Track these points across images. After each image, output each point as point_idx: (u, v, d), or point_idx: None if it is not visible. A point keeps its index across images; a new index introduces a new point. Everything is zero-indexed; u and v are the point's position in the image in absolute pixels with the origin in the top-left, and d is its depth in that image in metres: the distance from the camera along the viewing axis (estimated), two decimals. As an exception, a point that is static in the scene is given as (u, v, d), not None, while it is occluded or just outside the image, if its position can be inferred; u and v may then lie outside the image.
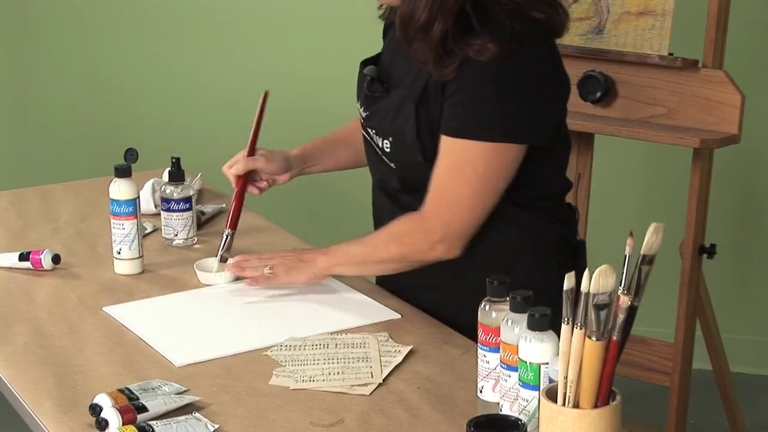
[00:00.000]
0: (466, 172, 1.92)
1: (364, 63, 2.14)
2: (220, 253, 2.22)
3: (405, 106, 1.98)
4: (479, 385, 1.67)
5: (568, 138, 2.07)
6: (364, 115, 2.10)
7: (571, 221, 2.13)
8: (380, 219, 2.17)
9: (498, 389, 1.62)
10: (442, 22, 1.87)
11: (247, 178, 2.29)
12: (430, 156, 1.97)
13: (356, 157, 2.31)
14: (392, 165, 2.05)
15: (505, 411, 1.59)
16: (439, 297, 2.07)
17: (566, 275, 1.42)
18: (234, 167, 2.28)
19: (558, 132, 2.01)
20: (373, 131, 2.07)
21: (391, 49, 2.11)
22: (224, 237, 2.24)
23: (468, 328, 1.93)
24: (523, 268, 1.99)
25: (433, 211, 1.96)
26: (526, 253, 2.02)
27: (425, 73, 1.95)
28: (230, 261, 2.18)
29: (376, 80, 2.07)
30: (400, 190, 2.08)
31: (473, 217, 1.96)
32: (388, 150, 2.04)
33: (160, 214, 2.41)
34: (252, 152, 2.29)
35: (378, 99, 2.06)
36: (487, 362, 1.64)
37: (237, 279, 2.19)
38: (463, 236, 1.97)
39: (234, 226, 2.25)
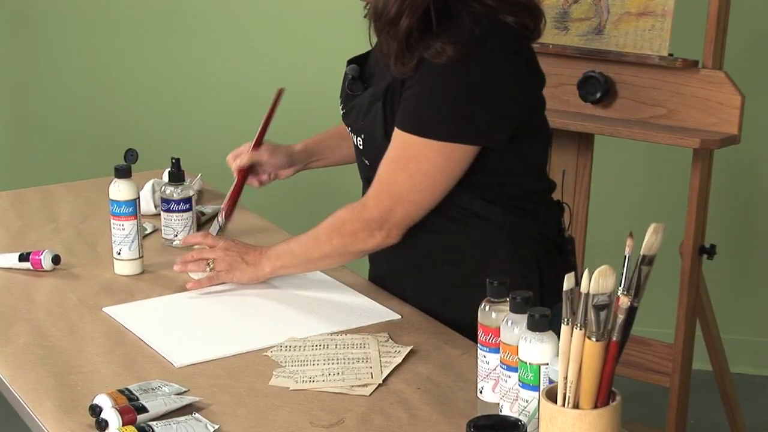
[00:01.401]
0: (410, 167, 1.94)
1: (350, 62, 2.16)
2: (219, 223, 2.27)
3: (374, 104, 2.01)
4: (479, 386, 1.67)
5: (545, 136, 2.08)
6: (342, 112, 2.13)
7: (553, 219, 2.12)
8: None
9: (498, 390, 1.62)
10: (409, 17, 1.89)
11: (249, 171, 2.31)
12: None
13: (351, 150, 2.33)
14: (366, 161, 2.07)
15: (505, 411, 1.59)
16: (422, 290, 2.07)
17: (566, 276, 1.42)
18: (238, 159, 2.29)
19: (529, 132, 2.01)
20: (350, 128, 2.10)
21: (376, 48, 2.12)
22: (216, 226, 2.27)
23: (464, 327, 1.94)
24: (498, 264, 2.00)
25: (375, 199, 1.98)
26: (500, 250, 2.02)
27: (387, 71, 1.98)
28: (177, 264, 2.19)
29: (357, 79, 2.10)
30: None
31: (415, 210, 1.98)
32: (361, 147, 2.07)
33: (160, 214, 2.41)
34: (258, 145, 2.30)
35: (355, 97, 2.09)
36: (487, 363, 1.64)
37: None
38: (403, 226, 1.99)
39: (228, 216, 2.27)
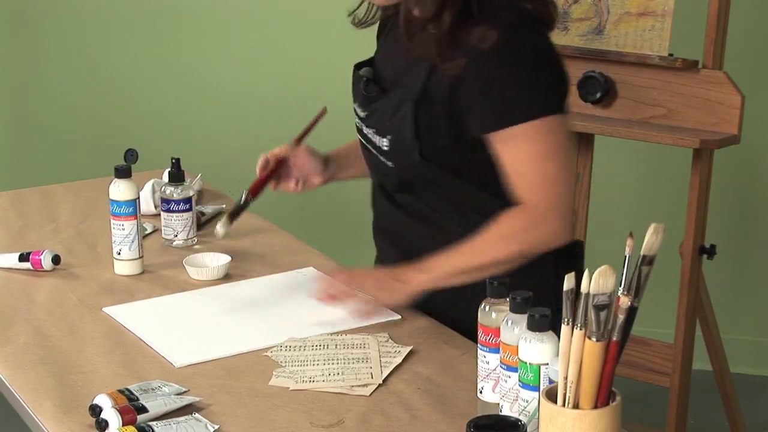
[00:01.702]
0: (538, 152, 1.92)
1: (358, 67, 2.14)
2: (229, 212, 2.15)
3: (403, 104, 1.99)
4: (479, 386, 1.67)
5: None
6: (362, 115, 2.10)
7: None
8: (379, 220, 2.17)
9: (498, 390, 1.62)
10: (450, 11, 1.88)
11: (282, 163, 2.23)
12: (427, 154, 1.97)
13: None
14: (390, 164, 2.05)
15: (505, 411, 1.59)
16: (436, 297, 2.06)
17: (566, 276, 1.42)
18: (278, 148, 2.22)
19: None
20: (373, 130, 2.07)
21: (386, 50, 2.12)
22: (242, 199, 2.16)
23: (464, 327, 1.94)
24: (518, 267, 1.99)
25: (537, 199, 1.94)
26: None
27: (424, 71, 1.96)
28: (307, 272, 2.08)
29: (372, 81, 2.08)
30: (397, 189, 2.08)
31: (569, 189, 1.96)
32: (386, 148, 2.04)
33: (160, 214, 2.41)
34: (299, 143, 2.24)
35: (376, 98, 2.07)
36: (487, 363, 1.64)
37: (226, 274, 2.20)
38: (571, 212, 1.97)
39: (255, 194, 2.18)
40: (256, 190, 2.18)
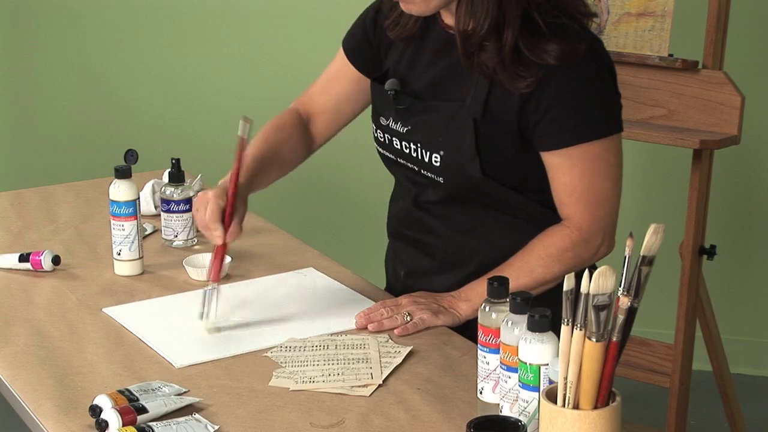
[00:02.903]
0: (600, 170, 1.93)
1: (376, 81, 2.11)
2: (204, 311, 1.98)
3: (461, 119, 1.96)
4: (479, 386, 1.67)
5: None
6: (402, 130, 2.05)
7: None
8: (405, 229, 2.14)
9: (498, 390, 1.62)
10: (511, 28, 1.86)
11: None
12: (489, 170, 1.96)
13: (282, 171, 2.21)
14: (440, 179, 2.01)
15: (505, 412, 1.59)
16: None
17: (566, 276, 1.42)
18: (230, 236, 1.98)
19: None
20: (417, 146, 2.03)
21: (410, 61, 2.07)
22: (206, 293, 1.99)
23: (463, 327, 1.94)
24: None
25: (587, 218, 1.95)
26: None
27: (484, 86, 1.93)
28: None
29: (400, 92, 2.04)
30: (439, 202, 2.06)
31: (617, 206, 1.99)
32: (437, 164, 2.00)
33: (159, 215, 2.41)
34: (234, 197, 2.00)
35: (417, 113, 2.03)
36: (487, 363, 1.64)
37: (227, 275, 2.20)
38: (615, 227, 1.99)
39: (218, 278, 2.01)
40: (217, 276, 1.99)
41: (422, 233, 2.11)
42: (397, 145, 2.07)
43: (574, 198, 1.95)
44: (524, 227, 2.01)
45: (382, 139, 2.10)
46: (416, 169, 2.05)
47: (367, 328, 1.96)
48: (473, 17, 1.87)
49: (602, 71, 1.94)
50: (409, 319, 1.96)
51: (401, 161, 2.07)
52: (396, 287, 2.18)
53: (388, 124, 2.08)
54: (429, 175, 2.03)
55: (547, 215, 2.00)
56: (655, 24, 2.87)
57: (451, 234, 2.06)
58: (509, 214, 2.02)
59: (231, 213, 1.99)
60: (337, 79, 2.23)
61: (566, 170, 1.94)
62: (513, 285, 1.84)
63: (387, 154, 2.11)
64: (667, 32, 2.86)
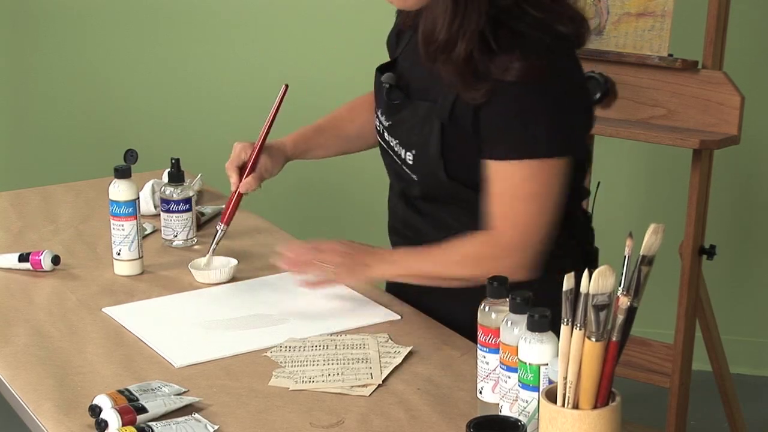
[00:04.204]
0: (525, 191, 1.90)
1: (380, 70, 2.11)
2: (212, 247, 2.23)
3: (431, 121, 1.96)
4: (479, 386, 1.67)
5: (588, 149, 2.06)
6: (386, 124, 2.07)
7: (587, 228, 2.12)
8: (397, 223, 2.16)
9: (498, 390, 1.62)
10: (465, 41, 1.84)
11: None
12: (452, 173, 1.96)
13: (346, 145, 2.32)
14: (414, 176, 2.03)
15: (505, 412, 1.59)
16: (436, 298, 2.06)
17: (566, 276, 1.42)
18: (243, 186, 2.20)
19: (582, 144, 2.01)
20: (396, 142, 2.05)
21: (410, 55, 2.07)
22: (218, 232, 2.24)
23: (463, 328, 1.94)
24: (540, 280, 1.99)
25: (511, 234, 1.92)
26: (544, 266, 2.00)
27: (453, 90, 1.92)
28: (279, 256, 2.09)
29: (395, 87, 2.05)
30: (421, 198, 2.07)
31: (544, 233, 1.93)
32: (410, 162, 2.02)
33: (159, 215, 2.41)
34: (260, 150, 2.22)
35: (401, 109, 2.03)
36: (487, 363, 1.64)
37: (233, 278, 2.20)
38: (540, 253, 1.93)
39: (229, 222, 2.25)
40: (229, 219, 2.25)
41: (408, 229, 2.11)
42: (386, 137, 2.09)
43: (501, 212, 1.92)
44: None
45: (379, 129, 2.12)
46: (399, 163, 2.06)
47: (359, 329, 1.97)
48: (434, 25, 1.86)
49: (563, 92, 1.89)
50: (322, 272, 2.01)
51: (390, 153, 2.09)
52: (392, 283, 2.18)
53: (378, 114, 2.10)
54: (407, 171, 2.04)
55: None
56: (654, 24, 2.87)
57: (432, 232, 2.06)
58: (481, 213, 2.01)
59: (252, 166, 2.21)
60: None
61: (496, 182, 1.91)
62: (428, 271, 1.98)
63: (381, 143, 2.12)
64: (666, 32, 2.86)
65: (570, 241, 2.02)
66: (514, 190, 1.90)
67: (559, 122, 1.89)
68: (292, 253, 2.07)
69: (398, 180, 2.10)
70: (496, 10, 1.85)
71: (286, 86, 2.25)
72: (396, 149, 2.05)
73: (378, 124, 2.11)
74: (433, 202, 2.04)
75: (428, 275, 2.00)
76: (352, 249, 2.05)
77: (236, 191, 2.22)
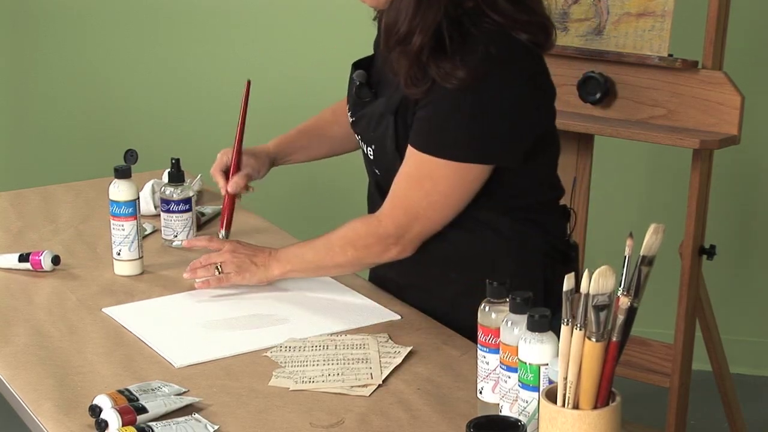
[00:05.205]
0: (426, 185, 1.94)
1: (355, 65, 2.14)
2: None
3: (386, 116, 2.00)
4: (479, 386, 1.67)
5: (556, 146, 2.07)
6: (351, 119, 2.11)
7: (561, 227, 2.12)
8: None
9: (498, 390, 1.62)
10: (421, 35, 1.87)
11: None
12: None
13: (332, 147, 2.37)
14: (377, 171, 2.07)
15: (505, 412, 1.59)
16: (424, 295, 2.08)
17: (566, 276, 1.42)
18: (231, 186, 2.28)
19: (541, 146, 2.00)
20: (359, 137, 2.09)
21: (382, 54, 2.10)
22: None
23: (463, 328, 1.94)
24: (506, 273, 1.99)
25: (390, 216, 1.98)
26: (508, 260, 2.01)
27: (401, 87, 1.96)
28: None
29: (365, 85, 2.08)
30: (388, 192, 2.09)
31: (430, 225, 1.98)
32: (371, 157, 2.06)
33: (159, 215, 2.41)
34: (240, 150, 2.29)
35: (364, 105, 2.07)
36: (487, 363, 1.64)
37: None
38: (417, 242, 2.00)
39: (228, 227, 2.30)
40: (229, 225, 2.31)
41: None
42: (355, 132, 2.12)
43: (393, 193, 1.98)
44: (475, 226, 2.01)
45: (352, 125, 2.14)
46: (367, 158, 2.10)
47: (359, 330, 1.98)
48: (396, 16, 1.89)
49: (490, 99, 1.89)
50: (219, 272, 2.11)
51: (363, 152, 2.12)
52: (375, 277, 2.21)
53: (347, 110, 2.14)
54: (372, 166, 2.09)
55: (491, 219, 2.00)
56: (655, 24, 2.87)
57: None
58: (459, 216, 2.02)
59: (235, 167, 2.28)
60: None
61: (404, 165, 1.96)
62: (316, 262, 2.06)
63: (356, 137, 2.14)
64: (666, 32, 2.86)
65: (533, 239, 2.02)
66: (416, 181, 1.95)
67: (486, 130, 1.91)
68: (195, 262, 2.15)
69: (370, 173, 2.14)
70: (460, 11, 1.88)
71: (249, 81, 2.38)
72: (361, 144, 2.09)
73: (349, 119, 2.15)
74: None
75: (316, 265, 2.07)
76: (246, 251, 2.13)
77: (226, 194, 2.28)
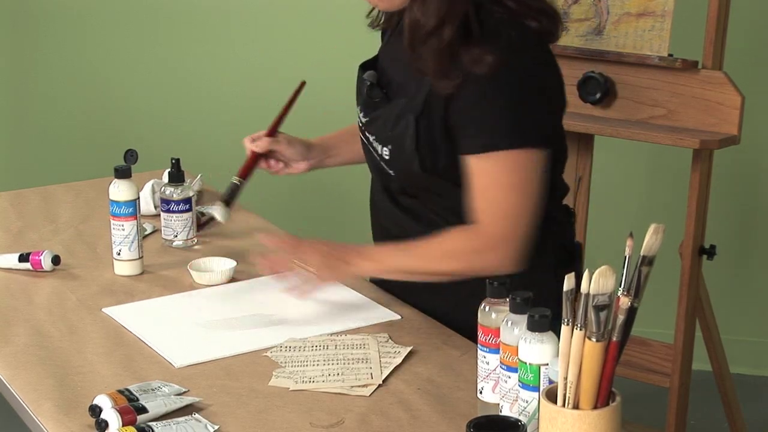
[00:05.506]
0: (509, 182, 1.91)
1: (363, 67, 2.13)
2: (227, 199, 2.24)
3: (405, 116, 1.98)
4: (479, 386, 1.67)
5: (563, 144, 2.07)
6: (364, 120, 2.09)
7: (567, 225, 2.13)
8: (381, 219, 2.16)
9: (498, 390, 1.62)
10: (450, 26, 1.86)
11: (261, 156, 2.28)
12: (427, 167, 1.97)
13: (355, 158, 2.32)
14: (391, 172, 2.04)
15: (505, 412, 1.59)
16: (437, 298, 2.07)
17: (566, 276, 1.42)
18: (256, 143, 2.27)
19: (553, 137, 2.01)
20: (373, 137, 2.07)
21: (389, 53, 2.10)
22: (231, 184, 2.26)
23: (464, 327, 1.94)
24: (518, 273, 1.99)
25: (495, 227, 1.93)
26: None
27: (427, 84, 1.94)
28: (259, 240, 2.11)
29: (376, 85, 2.06)
30: (401, 193, 2.08)
31: (530, 222, 1.94)
32: (387, 157, 2.03)
33: (159, 215, 2.41)
34: (273, 133, 2.29)
35: (378, 105, 2.05)
36: (487, 363, 1.64)
37: (232, 279, 2.20)
38: (526, 245, 1.94)
39: (245, 176, 2.26)
40: (245, 173, 2.27)
41: (390, 223, 2.12)
42: (365, 133, 2.10)
43: (482, 206, 1.93)
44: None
45: (359, 125, 2.13)
46: (377, 159, 2.07)
47: (359, 330, 1.97)
48: (424, 11, 1.88)
49: (529, 85, 1.91)
50: (303, 275, 1.99)
51: (370, 149, 2.10)
52: (396, 281, 2.18)
53: (358, 111, 2.12)
54: (384, 166, 2.05)
55: None
56: (655, 24, 2.87)
57: (413, 225, 2.07)
58: (462, 208, 2.02)
59: (270, 133, 2.28)
60: None
61: (475, 176, 1.92)
62: (410, 267, 1.97)
63: (362, 139, 2.13)
64: (666, 32, 2.86)
65: (547, 239, 2.02)
66: (493, 182, 1.92)
67: (524, 115, 1.91)
68: (272, 255, 2.05)
69: (379, 175, 2.12)
70: None
71: (304, 82, 2.34)
72: (374, 145, 2.07)
73: (358, 120, 2.13)
74: (413, 196, 2.06)
75: (411, 271, 2.00)
76: (332, 247, 2.04)
77: (252, 152, 2.28)
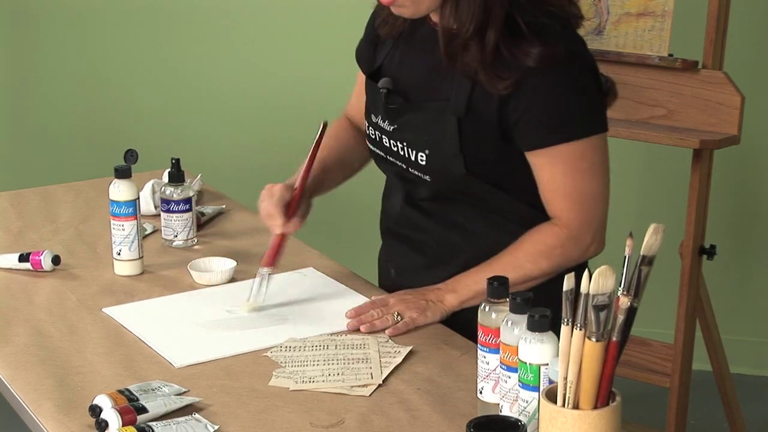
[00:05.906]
0: (583, 168, 1.93)
1: (371, 77, 2.11)
2: (253, 295, 2.07)
3: (445, 119, 1.96)
4: (479, 386, 1.67)
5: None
6: (390, 129, 2.06)
7: None
8: (397, 227, 2.15)
9: (498, 390, 1.62)
10: (494, 29, 1.86)
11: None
12: (472, 168, 1.96)
13: (346, 173, 2.28)
14: (426, 177, 2.02)
15: (505, 412, 1.59)
16: None
17: (566, 276, 1.42)
18: (290, 226, 2.08)
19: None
20: (404, 144, 2.03)
21: (400, 60, 2.08)
22: (260, 277, 2.09)
23: (464, 328, 1.94)
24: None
25: (574, 216, 1.95)
26: None
27: (467, 84, 1.93)
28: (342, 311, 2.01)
29: (392, 92, 2.05)
30: (427, 200, 2.07)
31: (606, 206, 1.98)
32: (423, 162, 2.01)
33: (159, 215, 2.41)
34: (302, 190, 2.11)
35: (404, 112, 2.03)
36: (487, 363, 1.64)
37: (232, 279, 2.20)
38: (605, 227, 1.99)
39: (270, 264, 2.09)
40: (272, 260, 2.09)
41: (412, 230, 2.11)
42: (386, 142, 2.07)
43: (559, 196, 1.96)
44: (512, 227, 2.00)
45: (373, 137, 2.11)
46: (404, 167, 2.05)
47: (359, 329, 1.97)
48: (458, 18, 1.87)
49: (583, 72, 1.93)
50: (399, 319, 1.98)
51: (390, 159, 2.08)
52: (387, 285, 2.18)
53: (377, 121, 2.09)
54: (416, 173, 2.03)
55: (534, 215, 1.99)
56: (655, 24, 2.87)
57: (440, 231, 2.06)
58: (497, 213, 2.02)
59: (295, 207, 2.09)
60: (362, 85, 2.23)
61: (548, 169, 1.94)
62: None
63: (377, 151, 2.11)
64: (667, 32, 2.86)
65: None
66: (571, 172, 1.94)
67: (589, 101, 1.94)
68: (360, 312, 2.00)
69: (403, 182, 2.09)
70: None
71: (325, 123, 2.12)
72: (402, 152, 2.04)
73: (373, 131, 2.11)
74: (444, 201, 2.04)
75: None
76: (413, 294, 2.02)
77: (280, 234, 2.09)
